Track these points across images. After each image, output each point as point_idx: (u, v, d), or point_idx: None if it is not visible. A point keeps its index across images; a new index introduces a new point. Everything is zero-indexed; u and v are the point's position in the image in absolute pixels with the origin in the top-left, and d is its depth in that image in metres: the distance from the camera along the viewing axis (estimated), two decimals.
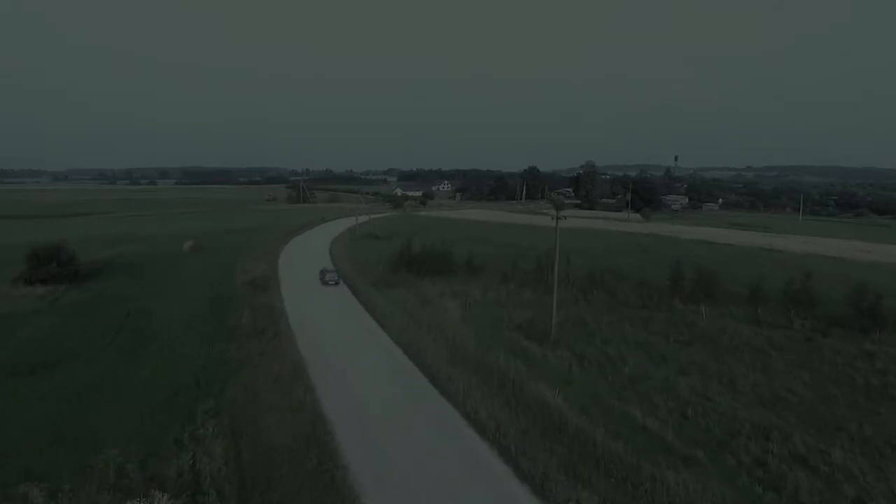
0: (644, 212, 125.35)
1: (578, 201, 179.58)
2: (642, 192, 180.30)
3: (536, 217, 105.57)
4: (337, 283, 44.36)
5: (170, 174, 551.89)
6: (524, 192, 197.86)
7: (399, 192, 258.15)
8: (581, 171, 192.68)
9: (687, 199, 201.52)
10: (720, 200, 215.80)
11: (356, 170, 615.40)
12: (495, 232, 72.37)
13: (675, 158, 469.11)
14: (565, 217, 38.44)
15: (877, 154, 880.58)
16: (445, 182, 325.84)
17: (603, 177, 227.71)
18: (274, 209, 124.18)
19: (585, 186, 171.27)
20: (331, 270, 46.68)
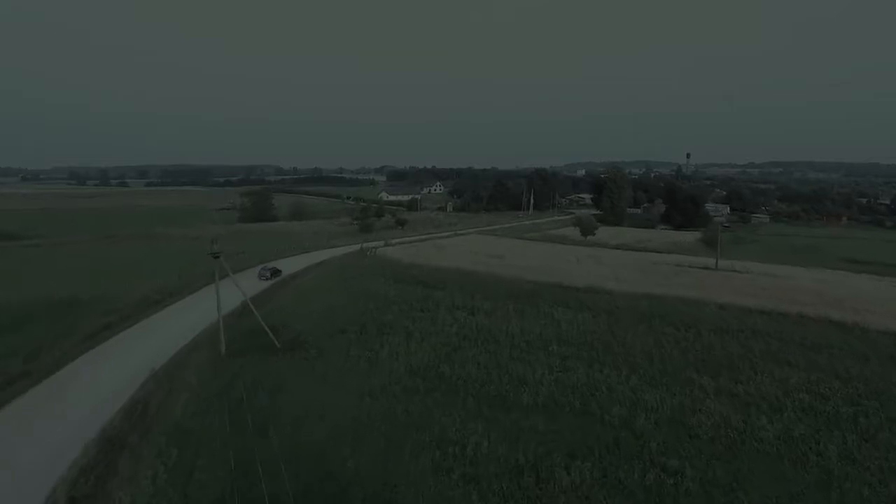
0: (709, 236, 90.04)
1: (598, 211, 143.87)
2: (677, 201, 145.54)
3: (571, 251, 70.73)
4: (269, 278, 51.30)
5: (149, 173, 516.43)
6: (532, 200, 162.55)
7: (384, 196, 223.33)
8: (603, 175, 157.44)
9: (728, 209, 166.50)
10: (764, 208, 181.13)
11: (349, 167, 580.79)
12: (517, 322, 37.12)
13: (688, 156, 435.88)
14: None
15: (880, 151, 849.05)
16: (438, 183, 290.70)
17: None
18: (170, 236, 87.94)
19: (611, 196, 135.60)
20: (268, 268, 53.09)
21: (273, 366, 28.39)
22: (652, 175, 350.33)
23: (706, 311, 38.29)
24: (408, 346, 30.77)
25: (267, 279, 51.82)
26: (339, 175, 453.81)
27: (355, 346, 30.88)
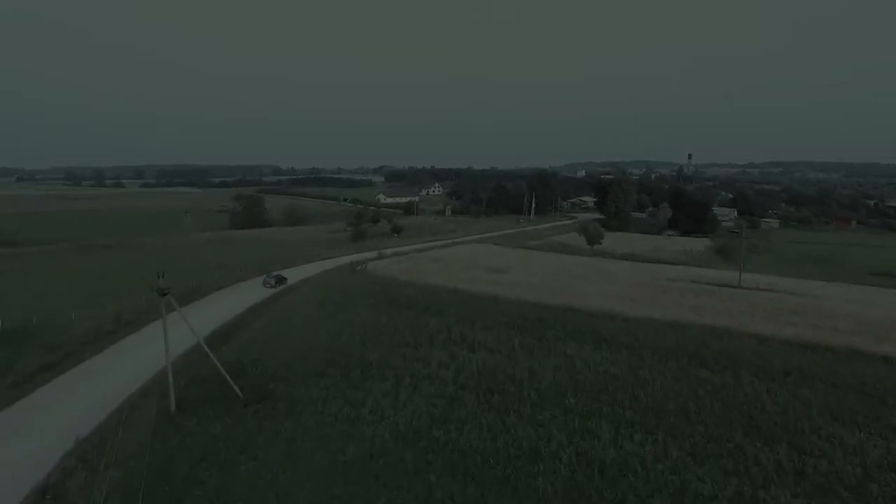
0: (720, 244, 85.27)
1: (601, 216, 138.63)
2: (685, 206, 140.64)
3: (578, 263, 65.75)
4: (273, 286, 50.13)
5: (146, 173, 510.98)
6: (533, 204, 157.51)
7: (382, 197, 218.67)
8: (606, 176, 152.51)
9: (735, 212, 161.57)
10: (772, 211, 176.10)
11: (347, 167, 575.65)
12: (524, 362, 32.29)
13: (689, 157, 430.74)
14: None
15: (880, 151, 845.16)
16: (437, 185, 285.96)
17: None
18: (148, 245, 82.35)
19: (616, 200, 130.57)
20: (273, 275, 52.13)
21: (231, 428, 23.36)
22: (653, 176, 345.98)
23: (742, 346, 33.32)
24: (395, 398, 25.79)
25: (272, 287, 50.75)
26: (337, 175, 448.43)
27: (333, 398, 25.88)
